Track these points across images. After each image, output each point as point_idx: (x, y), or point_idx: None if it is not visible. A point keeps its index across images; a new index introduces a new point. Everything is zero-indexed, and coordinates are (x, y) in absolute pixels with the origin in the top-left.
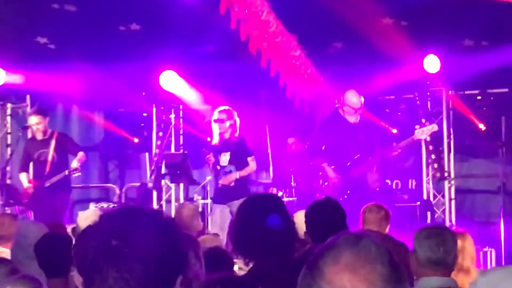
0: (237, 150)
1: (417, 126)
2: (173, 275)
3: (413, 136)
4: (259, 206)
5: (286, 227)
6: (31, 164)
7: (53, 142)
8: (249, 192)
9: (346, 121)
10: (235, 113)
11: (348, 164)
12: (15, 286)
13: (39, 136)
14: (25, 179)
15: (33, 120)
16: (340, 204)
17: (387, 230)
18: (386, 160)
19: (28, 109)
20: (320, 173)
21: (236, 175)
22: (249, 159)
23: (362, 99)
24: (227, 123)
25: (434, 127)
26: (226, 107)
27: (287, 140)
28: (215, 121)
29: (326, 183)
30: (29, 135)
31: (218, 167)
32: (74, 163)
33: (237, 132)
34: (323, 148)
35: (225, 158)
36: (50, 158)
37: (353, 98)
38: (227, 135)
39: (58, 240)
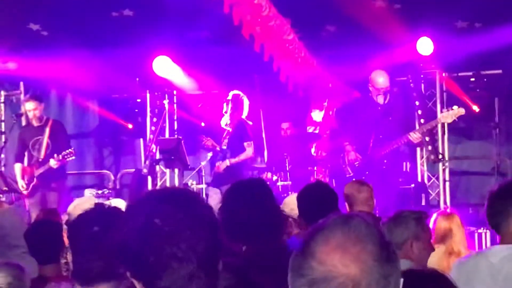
0: (235, 134)
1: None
2: (212, 252)
3: (437, 119)
4: (244, 191)
5: (272, 211)
6: (26, 152)
7: (47, 129)
8: (243, 177)
9: (374, 102)
10: (245, 99)
11: (370, 145)
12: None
13: (35, 123)
14: (19, 171)
15: (29, 106)
16: (332, 188)
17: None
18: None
19: (22, 96)
20: (342, 154)
21: (227, 162)
22: (245, 144)
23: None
24: (232, 105)
25: (461, 110)
26: (236, 92)
27: (281, 124)
28: (229, 101)
29: (346, 164)
30: (24, 123)
31: (218, 148)
32: (52, 162)
33: (242, 117)
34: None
35: (225, 141)
36: (44, 144)
37: (379, 78)
38: (228, 120)
39: (48, 226)
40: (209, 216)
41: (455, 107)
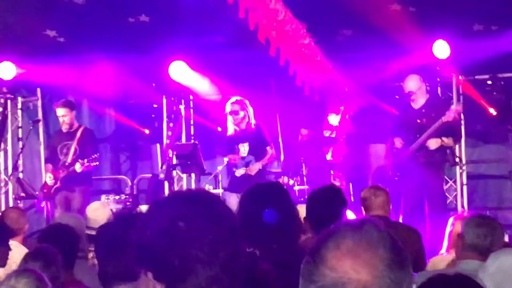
0: (255, 140)
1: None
2: (235, 256)
3: (439, 120)
4: (262, 195)
5: (288, 216)
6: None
7: (77, 135)
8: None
9: (410, 105)
10: (247, 102)
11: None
12: (18, 278)
13: (65, 129)
14: (47, 171)
15: (59, 112)
16: (342, 193)
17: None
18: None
19: (39, 103)
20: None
21: (259, 165)
22: (268, 148)
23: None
24: (241, 114)
25: (458, 106)
26: (238, 98)
27: (300, 130)
28: (230, 113)
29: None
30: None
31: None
32: (77, 166)
33: (253, 121)
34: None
35: (243, 149)
36: (72, 149)
37: (408, 83)
38: (243, 126)
39: (63, 232)
40: (231, 220)
41: (453, 105)
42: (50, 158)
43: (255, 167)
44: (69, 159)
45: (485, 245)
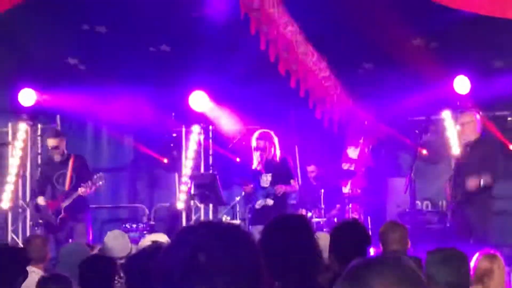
0: (279, 172)
1: None
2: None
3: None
4: (284, 227)
5: (310, 249)
6: (48, 186)
7: (70, 163)
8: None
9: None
10: (273, 134)
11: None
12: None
13: (57, 158)
14: (42, 203)
15: (53, 143)
16: (366, 230)
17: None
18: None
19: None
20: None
21: (284, 188)
22: (291, 181)
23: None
24: (266, 148)
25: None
26: (262, 131)
27: (307, 168)
28: (255, 149)
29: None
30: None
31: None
32: (81, 190)
33: (278, 153)
34: None
35: (266, 179)
36: (68, 179)
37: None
38: (269, 156)
39: (103, 262)
40: (256, 263)
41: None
42: (42, 190)
43: (281, 189)
44: (66, 187)
45: (462, 281)
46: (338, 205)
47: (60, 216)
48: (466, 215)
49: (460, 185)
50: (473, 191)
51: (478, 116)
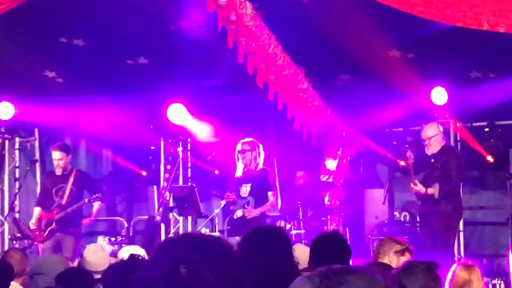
0: (258, 183)
1: None
2: None
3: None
4: (262, 239)
5: (287, 261)
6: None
7: (71, 179)
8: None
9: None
10: (261, 146)
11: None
12: None
13: (58, 172)
14: (37, 214)
15: (56, 155)
16: (347, 243)
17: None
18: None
19: (37, 143)
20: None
21: (257, 212)
22: (269, 193)
23: (429, 132)
24: (249, 155)
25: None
26: (250, 139)
27: (296, 173)
28: (239, 152)
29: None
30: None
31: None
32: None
33: (260, 165)
34: None
35: (245, 189)
36: (68, 191)
37: (424, 130)
38: (252, 167)
39: (80, 276)
40: (239, 275)
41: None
42: (41, 201)
43: (252, 213)
44: (63, 201)
45: None
46: (323, 218)
47: (50, 228)
48: (430, 225)
49: (426, 196)
50: (420, 197)
51: (441, 128)
